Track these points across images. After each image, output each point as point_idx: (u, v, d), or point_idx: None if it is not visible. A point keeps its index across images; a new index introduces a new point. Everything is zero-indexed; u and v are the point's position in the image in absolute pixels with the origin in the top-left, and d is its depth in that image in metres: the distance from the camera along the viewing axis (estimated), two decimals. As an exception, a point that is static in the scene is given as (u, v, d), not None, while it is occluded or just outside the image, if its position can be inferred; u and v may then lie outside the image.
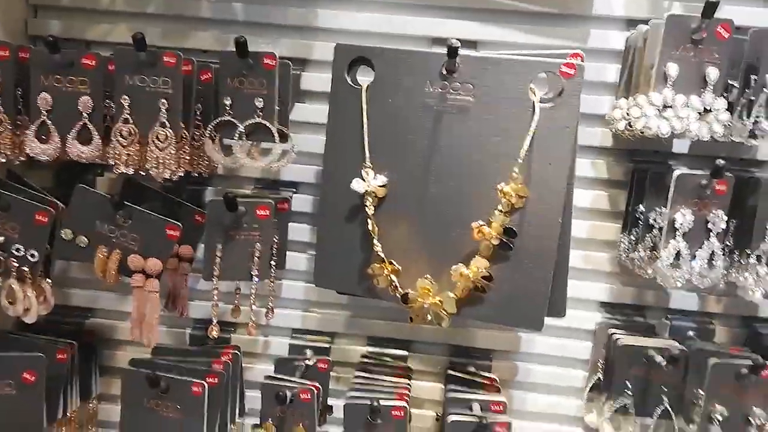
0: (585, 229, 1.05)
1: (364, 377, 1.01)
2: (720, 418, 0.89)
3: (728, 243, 0.91)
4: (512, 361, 1.10)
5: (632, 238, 0.98)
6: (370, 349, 1.11)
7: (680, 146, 1.01)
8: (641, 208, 0.95)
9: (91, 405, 1.11)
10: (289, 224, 1.06)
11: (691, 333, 1.04)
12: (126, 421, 0.95)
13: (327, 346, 1.11)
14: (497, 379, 1.05)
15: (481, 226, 0.83)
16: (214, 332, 0.93)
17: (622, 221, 1.02)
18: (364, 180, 0.86)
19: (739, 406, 0.89)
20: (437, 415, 1.09)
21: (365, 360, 1.08)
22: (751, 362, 0.87)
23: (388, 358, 1.09)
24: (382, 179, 0.87)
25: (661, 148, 1.01)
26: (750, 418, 0.89)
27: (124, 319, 1.12)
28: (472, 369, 1.07)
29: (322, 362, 1.05)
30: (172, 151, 0.86)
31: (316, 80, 1.02)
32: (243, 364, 1.10)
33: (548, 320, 1.03)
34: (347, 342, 1.12)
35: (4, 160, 0.90)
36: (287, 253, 1.06)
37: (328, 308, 1.12)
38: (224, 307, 1.02)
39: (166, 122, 0.85)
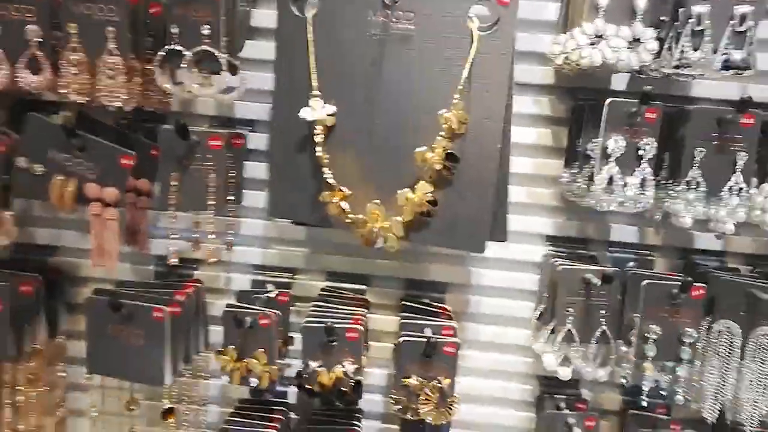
0: (529, 165, 1.10)
1: (321, 306, 1.05)
2: (654, 337, 0.95)
3: (663, 175, 0.97)
4: (465, 294, 1.16)
5: (573, 171, 1.02)
6: (330, 283, 1.15)
7: (619, 84, 1.05)
8: (581, 142, 0.99)
9: (59, 341, 1.14)
10: (247, 163, 1.09)
11: (631, 264, 1.09)
12: (91, 347, 0.98)
13: (288, 281, 1.15)
14: (450, 309, 1.10)
15: (425, 151, 0.87)
16: (174, 259, 0.96)
17: (564, 156, 1.07)
18: (312, 109, 0.90)
19: (672, 325, 0.95)
20: (395, 344, 1.14)
21: (324, 293, 1.12)
22: (680, 282, 0.93)
23: (346, 292, 1.13)
24: (330, 108, 0.90)
25: (601, 86, 1.05)
26: (682, 337, 0.95)
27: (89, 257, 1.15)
28: (426, 300, 1.12)
29: (282, 295, 1.09)
30: (122, 80, 0.89)
31: (267, 17, 1.04)
32: (207, 300, 1.14)
33: (497, 253, 1.10)
34: (308, 278, 1.16)
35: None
36: (247, 191, 1.10)
37: (288, 245, 1.15)
38: (187, 245, 1.06)
39: (115, 50, 0.88)
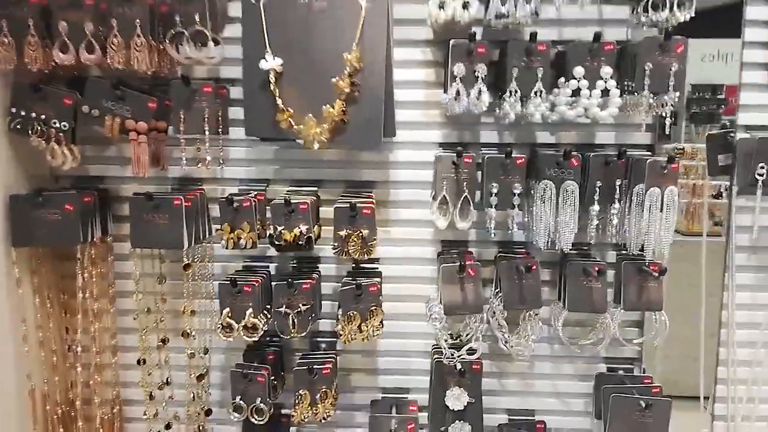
0: (422, 94, 1.62)
1: (284, 197, 1.56)
2: (495, 191, 1.47)
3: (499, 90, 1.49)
4: (386, 189, 1.68)
5: (445, 96, 1.54)
6: (292, 187, 1.67)
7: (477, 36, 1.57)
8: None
9: (108, 240, 1.67)
10: (231, 108, 1.61)
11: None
12: (133, 229, 1.51)
13: (264, 188, 1.67)
14: (373, 196, 1.62)
15: (338, 81, 1.40)
16: (183, 167, 1.49)
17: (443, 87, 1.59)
18: (267, 61, 1.42)
19: (506, 183, 1.48)
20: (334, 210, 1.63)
21: (288, 192, 1.64)
22: (505, 152, 1.46)
23: (304, 192, 1.65)
24: (279, 60, 1.43)
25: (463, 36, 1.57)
26: (513, 190, 1.47)
27: (127, 183, 1.67)
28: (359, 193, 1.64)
29: (259, 195, 1.61)
30: (146, 53, 1.41)
31: (237, 8, 1.55)
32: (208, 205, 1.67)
33: (405, 156, 1.63)
34: (278, 185, 1.68)
35: (35, 70, 1.43)
36: (232, 127, 1.62)
37: (263, 164, 1.68)
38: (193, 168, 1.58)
39: (140, 34, 1.40)
